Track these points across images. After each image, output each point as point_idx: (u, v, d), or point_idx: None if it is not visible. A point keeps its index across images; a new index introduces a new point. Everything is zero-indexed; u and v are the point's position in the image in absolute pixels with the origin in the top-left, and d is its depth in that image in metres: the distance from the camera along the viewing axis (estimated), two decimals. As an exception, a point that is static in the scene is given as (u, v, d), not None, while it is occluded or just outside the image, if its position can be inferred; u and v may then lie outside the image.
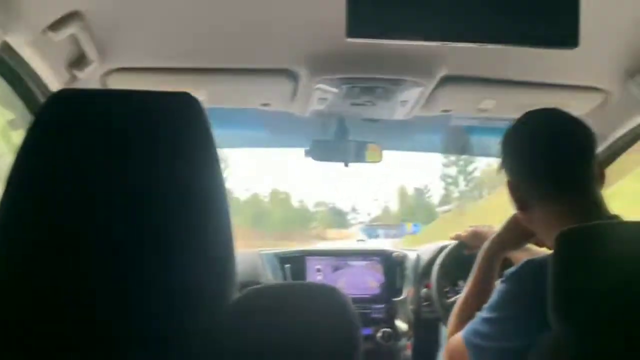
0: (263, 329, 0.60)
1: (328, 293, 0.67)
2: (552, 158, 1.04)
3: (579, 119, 1.06)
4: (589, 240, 0.73)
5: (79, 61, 1.18)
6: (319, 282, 2.06)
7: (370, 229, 28.58)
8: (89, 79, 1.26)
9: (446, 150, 2.43)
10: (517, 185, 1.08)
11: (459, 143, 2.23)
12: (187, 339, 0.59)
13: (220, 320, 0.60)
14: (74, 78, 1.21)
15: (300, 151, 1.82)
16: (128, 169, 0.55)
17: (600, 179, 1.05)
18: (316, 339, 0.61)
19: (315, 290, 0.68)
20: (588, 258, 0.71)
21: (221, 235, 0.59)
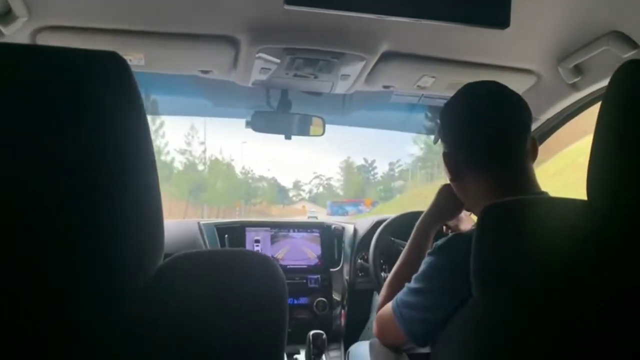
0: (186, 293, 0.60)
1: (256, 259, 0.67)
2: (489, 129, 1.04)
3: (518, 94, 1.08)
4: (510, 214, 0.76)
5: (5, 16, 1.11)
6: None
7: (337, 206, 28.46)
8: (17, 35, 1.19)
9: (428, 130, 2.45)
10: (452, 155, 1.09)
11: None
12: (111, 304, 0.58)
13: (145, 285, 0.59)
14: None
15: (241, 122, 1.81)
16: (48, 128, 0.53)
17: (533, 154, 1.07)
18: (241, 304, 0.61)
19: (243, 256, 0.68)
20: (507, 232, 0.74)
21: (147, 200, 0.57)
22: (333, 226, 2.23)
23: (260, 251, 2.08)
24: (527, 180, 1.04)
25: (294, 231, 2.18)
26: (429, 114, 2.22)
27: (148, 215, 0.58)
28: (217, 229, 2.10)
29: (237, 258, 0.67)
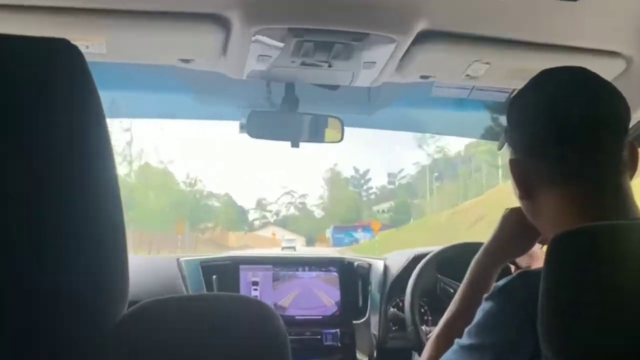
0: (152, 350, 0.61)
1: (245, 306, 0.67)
2: (571, 129, 1.02)
3: (612, 84, 1.06)
4: (588, 246, 0.75)
5: None
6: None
7: (342, 232, 27.70)
8: None
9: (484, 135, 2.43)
10: (522, 164, 1.08)
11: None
12: (67, 356, 0.59)
13: (101, 339, 0.60)
14: None
15: (229, 124, 1.82)
16: None
17: (632, 163, 1.05)
18: None
19: (228, 303, 0.69)
20: (586, 271, 0.73)
21: (105, 230, 0.59)
22: (356, 263, 2.23)
23: (258, 297, 2.08)
24: (622, 200, 1.01)
25: (303, 270, 2.18)
26: (490, 112, 2.21)
27: (107, 251, 0.59)
28: (202, 267, 2.10)
29: (220, 305, 0.68)
